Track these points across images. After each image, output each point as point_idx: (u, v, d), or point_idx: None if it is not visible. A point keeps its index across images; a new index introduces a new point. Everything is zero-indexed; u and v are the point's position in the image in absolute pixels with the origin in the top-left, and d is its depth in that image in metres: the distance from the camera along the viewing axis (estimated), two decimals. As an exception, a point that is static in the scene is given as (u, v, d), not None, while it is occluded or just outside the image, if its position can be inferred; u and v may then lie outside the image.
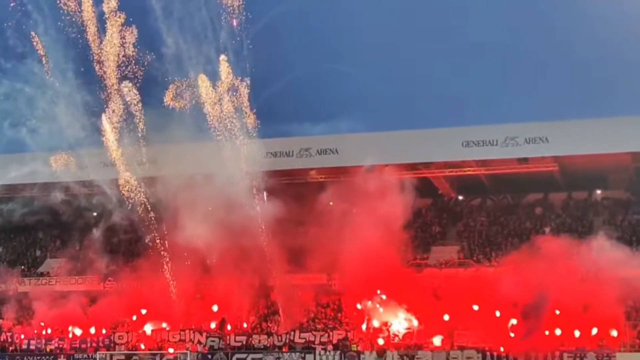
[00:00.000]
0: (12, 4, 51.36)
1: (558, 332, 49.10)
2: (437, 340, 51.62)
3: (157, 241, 55.81)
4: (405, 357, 51.04)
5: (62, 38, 52.33)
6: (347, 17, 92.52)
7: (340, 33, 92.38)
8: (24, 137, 55.05)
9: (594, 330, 49.05)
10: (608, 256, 47.51)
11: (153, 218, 55.64)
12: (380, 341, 52.52)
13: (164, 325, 56.79)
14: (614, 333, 49.05)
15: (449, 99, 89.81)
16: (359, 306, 54.99)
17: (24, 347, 57.72)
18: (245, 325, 56.73)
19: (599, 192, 61.08)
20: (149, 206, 55.45)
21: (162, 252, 55.80)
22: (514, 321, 50.23)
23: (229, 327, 56.32)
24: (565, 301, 47.28)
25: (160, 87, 52.64)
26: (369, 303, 54.29)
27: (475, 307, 51.37)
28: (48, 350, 57.24)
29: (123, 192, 55.28)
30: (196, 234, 51.98)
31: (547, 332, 49.05)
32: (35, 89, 53.95)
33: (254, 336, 55.06)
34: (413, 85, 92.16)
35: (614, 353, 48.30)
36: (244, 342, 54.90)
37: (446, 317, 52.00)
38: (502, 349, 49.64)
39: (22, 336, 58.18)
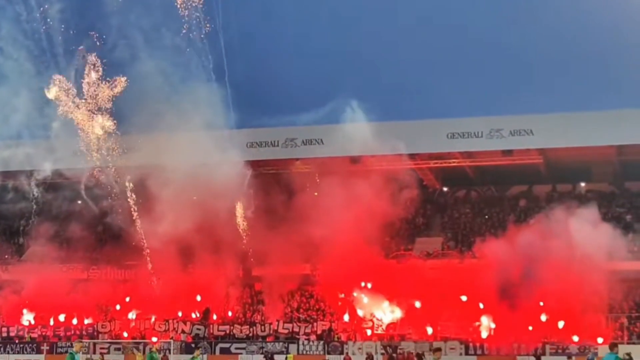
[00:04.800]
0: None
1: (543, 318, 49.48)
2: (420, 331, 51.89)
3: (139, 230, 55.68)
4: (388, 348, 51.20)
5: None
6: (331, 7, 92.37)
7: (325, 24, 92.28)
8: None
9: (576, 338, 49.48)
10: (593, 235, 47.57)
11: (135, 207, 55.49)
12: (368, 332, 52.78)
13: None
14: (597, 327, 49.39)
15: (434, 90, 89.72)
16: (341, 296, 55.10)
17: (4, 335, 57.59)
18: (230, 314, 56.77)
19: (583, 184, 61.31)
20: (129, 195, 55.33)
21: (144, 241, 55.69)
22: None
23: (214, 317, 56.39)
24: (548, 281, 47.17)
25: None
26: (354, 293, 54.48)
27: (460, 298, 51.61)
28: (30, 338, 57.12)
29: (103, 181, 55.16)
30: (178, 224, 51.89)
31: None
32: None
33: (237, 326, 55.13)
34: (398, 76, 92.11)
35: (595, 345, 48.59)
36: (227, 332, 54.98)
37: (429, 308, 52.26)
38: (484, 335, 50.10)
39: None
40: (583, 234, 47.49)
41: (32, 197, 59.81)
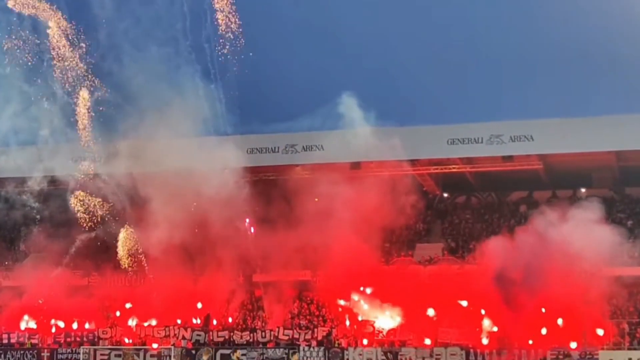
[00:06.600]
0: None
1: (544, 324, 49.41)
2: (421, 337, 51.83)
3: (138, 237, 55.69)
4: (389, 354, 51.14)
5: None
6: (330, 12, 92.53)
7: (325, 29, 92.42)
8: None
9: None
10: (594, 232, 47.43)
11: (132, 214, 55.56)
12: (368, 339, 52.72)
13: (146, 323, 56.78)
14: (599, 332, 49.23)
15: (434, 96, 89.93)
16: (342, 302, 55.05)
17: (5, 341, 57.51)
18: (230, 320, 56.73)
19: (583, 190, 61.24)
20: (127, 203, 55.34)
21: (143, 248, 55.68)
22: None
23: (214, 322, 56.33)
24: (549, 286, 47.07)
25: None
26: (354, 298, 54.43)
27: (460, 304, 51.58)
28: (30, 344, 57.06)
29: (99, 188, 55.15)
30: (178, 230, 51.89)
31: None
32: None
33: (237, 332, 55.06)
34: (398, 82, 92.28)
35: (596, 351, 48.54)
36: (227, 338, 54.90)
37: (430, 314, 52.23)
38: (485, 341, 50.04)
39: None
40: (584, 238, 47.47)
41: (32, 205, 59.82)
